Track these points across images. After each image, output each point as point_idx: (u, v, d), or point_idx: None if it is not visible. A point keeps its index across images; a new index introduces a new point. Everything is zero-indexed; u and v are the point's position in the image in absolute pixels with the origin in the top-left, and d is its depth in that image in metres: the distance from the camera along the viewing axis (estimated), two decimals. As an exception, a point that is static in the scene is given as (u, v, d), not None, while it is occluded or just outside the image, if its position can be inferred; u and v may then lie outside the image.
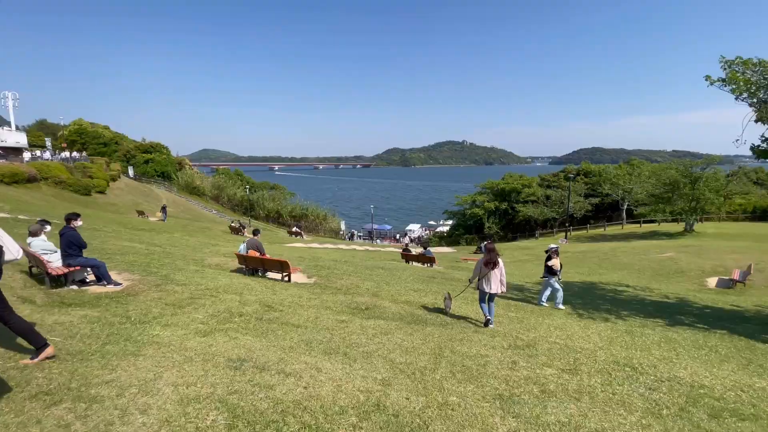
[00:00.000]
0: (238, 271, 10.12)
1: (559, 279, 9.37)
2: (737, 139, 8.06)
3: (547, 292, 9.42)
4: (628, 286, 14.59)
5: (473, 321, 7.01)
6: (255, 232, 10.28)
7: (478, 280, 6.72)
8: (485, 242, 7.64)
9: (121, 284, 7.06)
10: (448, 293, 7.58)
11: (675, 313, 9.67)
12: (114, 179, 41.64)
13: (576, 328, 6.95)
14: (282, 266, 9.31)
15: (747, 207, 37.59)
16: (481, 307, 6.83)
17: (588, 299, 11.05)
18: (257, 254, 9.79)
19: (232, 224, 29.59)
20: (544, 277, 9.62)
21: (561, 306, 9.11)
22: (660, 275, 17.71)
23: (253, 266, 9.82)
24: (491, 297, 6.74)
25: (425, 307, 7.66)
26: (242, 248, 9.99)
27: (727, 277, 16.48)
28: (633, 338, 6.59)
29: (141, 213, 30.89)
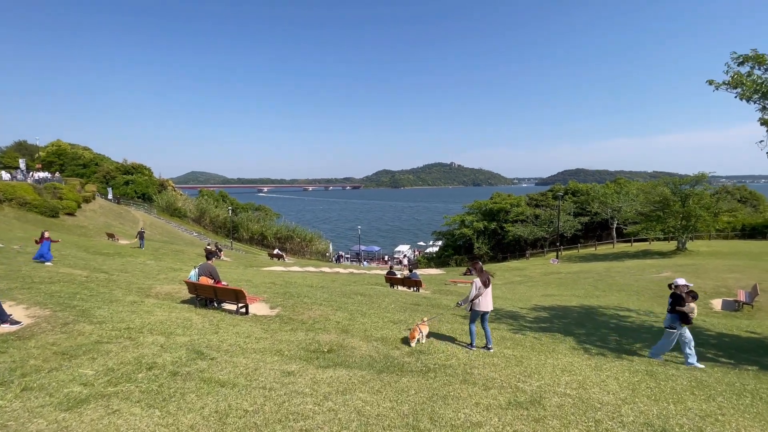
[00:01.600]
0: (189, 302, 8.65)
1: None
2: (761, 140, 7.14)
3: (687, 349, 6.71)
4: (629, 310, 13.43)
5: (462, 360, 5.66)
6: (209, 256, 8.87)
7: (471, 301, 6.44)
8: (472, 262, 6.62)
9: (19, 323, 5.61)
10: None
11: (696, 344, 8.44)
12: (87, 201, 39.72)
13: (587, 371, 5.65)
14: (237, 296, 7.88)
15: (736, 225, 37.35)
16: (471, 330, 6.63)
17: (591, 328, 9.80)
18: (210, 281, 8.37)
19: (208, 246, 27.88)
20: (670, 327, 6.82)
21: (697, 363, 6.63)
22: (661, 297, 16.61)
23: (205, 296, 8.37)
24: (484, 316, 6.59)
25: (404, 345, 6.30)
26: (193, 275, 8.56)
27: (731, 299, 15.52)
28: (658, 383, 5.32)
29: (111, 236, 29.01)
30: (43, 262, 11.56)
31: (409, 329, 6.38)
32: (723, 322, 11.70)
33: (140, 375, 3.98)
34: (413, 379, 4.67)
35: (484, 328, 6.60)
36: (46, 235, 12.31)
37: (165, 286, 10.03)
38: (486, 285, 6.41)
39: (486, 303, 6.43)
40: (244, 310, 8.13)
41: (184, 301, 8.68)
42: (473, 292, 6.39)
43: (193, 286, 8.35)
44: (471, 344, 6.54)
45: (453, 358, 5.82)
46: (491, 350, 6.42)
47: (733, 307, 14.78)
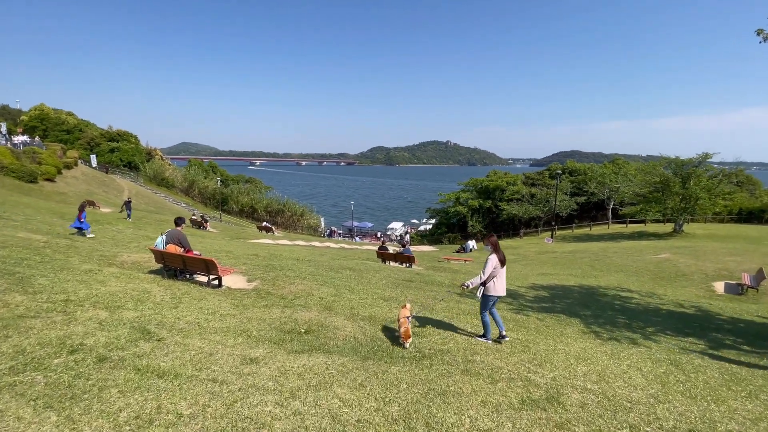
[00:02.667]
0: (157, 272, 7.73)
1: None
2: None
3: None
4: (631, 291, 12.83)
5: (462, 345, 4.88)
6: (178, 221, 7.89)
7: (484, 285, 5.22)
8: (488, 236, 5.53)
9: (-64, 292, 4.67)
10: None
11: (706, 329, 7.81)
12: (69, 167, 38.01)
13: (605, 359, 4.91)
14: (207, 266, 6.98)
15: (732, 208, 37.02)
16: (485, 321, 5.36)
17: (596, 309, 9.14)
18: (179, 250, 7.44)
19: (194, 217, 26.80)
20: None
21: None
22: (660, 278, 16.11)
23: (174, 266, 7.46)
24: (495, 302, 5.50)
25: (393, 326, 5.49)
26: (159, 242, 7.61)
27: (734, 282, 15.04)
28: (687, 375, 4.60)
29: (92, 203, 27.63)
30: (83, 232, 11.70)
31: (398, 321, 5.04)
32: (731, 306, 11.14)
33: (56, 361, 3.11)
34: (405, 369, 3.86)
35: (492, 313, 5.46)
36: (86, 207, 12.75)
37: (134, 254, 9.09)
38: (503, 264, 5.24)
39: (501, 286, 5.27)
40: (216, 282, 7.25)
41: (151, 272, 7.76)
42: (488, 271, 5.13)
43: (159, 255, 7.42)
44: (485, 336, 5.33)
45: (451, 342, 5.04)
46: (506, 339, 5.34)
47: (736, 290, 14.31)
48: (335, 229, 53.22)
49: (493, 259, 5.19)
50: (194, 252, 7.90)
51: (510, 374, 4.07)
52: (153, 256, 7.79)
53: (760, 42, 6.57)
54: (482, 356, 4.61)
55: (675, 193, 28.10)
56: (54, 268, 6.38)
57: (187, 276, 7.74)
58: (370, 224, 56.53)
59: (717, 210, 35.79)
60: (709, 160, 28.33)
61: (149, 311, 4.72)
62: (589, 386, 3.96)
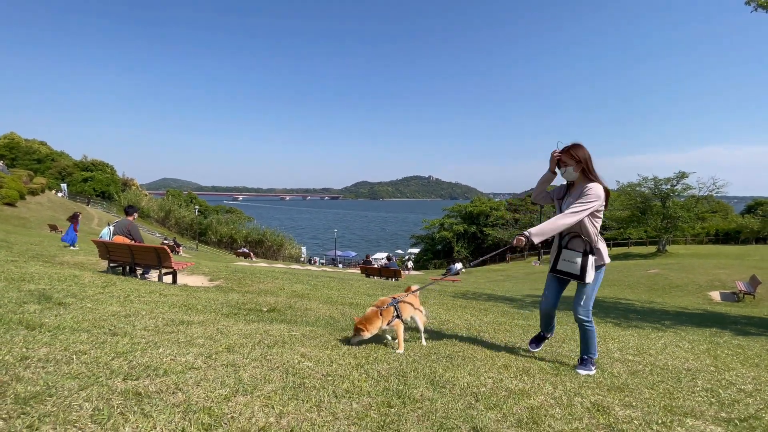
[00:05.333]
0: (104, 271, 6.58)
1: None
2: None
3: None
4: (629, 299, 12.14)
5: (467, 323, 3.95)
6: (129, 210, 6.83)
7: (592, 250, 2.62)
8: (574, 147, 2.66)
9: None
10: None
11: (723, 323, 7.08)
12: (35, 193, 36.06)
13: (633, 339, 4.07)
14: (159, 256, 5.92)
15: (710, 230, 37.70)
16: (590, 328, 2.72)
17: (601, 310, 8.33)
18: (127, 241, 6.36)
19: (165, 242, 25.22)
20: None
21: None
22: (655, 290, 15.57)
23: (121, 260, 6.35)
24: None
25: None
26: (105, 233, 6.54)
27: (729, 291, 14.65)
28: (733, 350, 3.80)
29: (53, 227, 25.81)
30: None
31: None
32: (735, 310, 10.54)
33: None
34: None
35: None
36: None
37: (80, 257, 7.89)
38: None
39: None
40: (170, 278, 6.16)
41: (100, 272, 6.61)
42: (591, 206, 2.55)
43: (104, 248, 6.33)
44: (544, 335, 3.07)
45: (449, 323, 4.11)
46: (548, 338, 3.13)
47: (733, 298, 13.89)
48: (317, 259, 51.60)
49: (598, 190, 2.57)
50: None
51: (529, 350, 3.17)
52: (98, 251, 6.68)
53: (751, 11, 6.40)
54: (490, 334, 3.70)
55: (656, 213, 28.35)
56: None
57: (138, 275, 6.62)
58: (353, 253, 55.16)
59: (696, 231, 36.35)
60: (686, 179, 28.70)
61: (64, 286, 3.66)
62: (630, 358, 3.11)
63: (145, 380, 1.49)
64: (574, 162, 2.64)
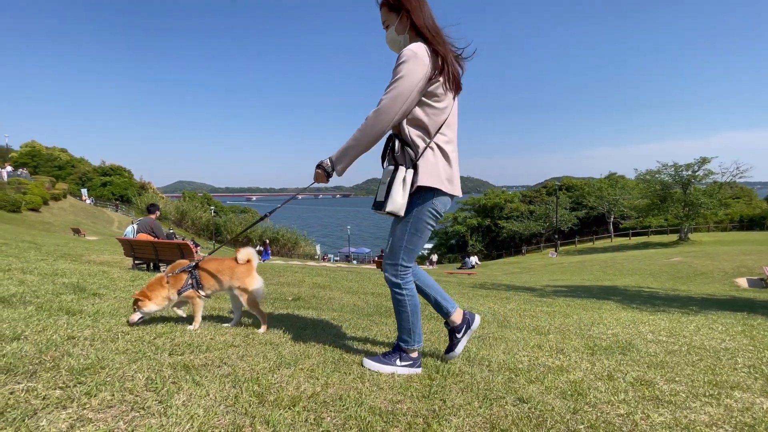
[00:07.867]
0: (130, 269, 6.74)
1: None
2: None
3: None
4: (652, 288, 11.86)
5: (492, 311, 3.92)
6: (151, 208, 7.00)
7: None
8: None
9: None
10: None
11: (753, 308, 6.85)
12: (57, 199, 37.21)
13: (663, 322, 3.98)
14: (183, 253, 6.05)
15: (733, 216, 36.57)
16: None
17: (625, 297, 8.17)
18: (150, 239, 6.51)
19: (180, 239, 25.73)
20: None
21: None
22: (679, 278, 15.17)
23: (145, 257, 6.51)
24: None
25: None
26: (129, 231, 6.70)
27: (756, 277, 14.19)
28: (772, 333, 3.66)
29: (77, 231, 26.67)
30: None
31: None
32: (763, 296, 10.20)
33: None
34: (430, 322, 2.91)
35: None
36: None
37: (105, 256, 8.12)
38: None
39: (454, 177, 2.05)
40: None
41: (126, 268, 6.78)
42: (401, 85, 1.57)
43: (128, 245, 6.49)
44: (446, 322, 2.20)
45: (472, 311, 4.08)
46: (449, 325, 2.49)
47: (760, 285, 13.45)
48: (331, 256, 51.95)
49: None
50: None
51: (559, 329, 3.13)
52: (122, 249, 6.85)
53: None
54: (516, 319, 3.66)
55: (677, 200, 27.59)
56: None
57: (162, 270, 6.77)
58: (367, 250, 55.35)
59: (719, 218, 35.32)
60: (707, 165, 27.80)
61: (95, 280, 3.77)
62: (663, 339, 3.04)
63: (190, 355, 1.54)
64: (394, 15, 1.60)
